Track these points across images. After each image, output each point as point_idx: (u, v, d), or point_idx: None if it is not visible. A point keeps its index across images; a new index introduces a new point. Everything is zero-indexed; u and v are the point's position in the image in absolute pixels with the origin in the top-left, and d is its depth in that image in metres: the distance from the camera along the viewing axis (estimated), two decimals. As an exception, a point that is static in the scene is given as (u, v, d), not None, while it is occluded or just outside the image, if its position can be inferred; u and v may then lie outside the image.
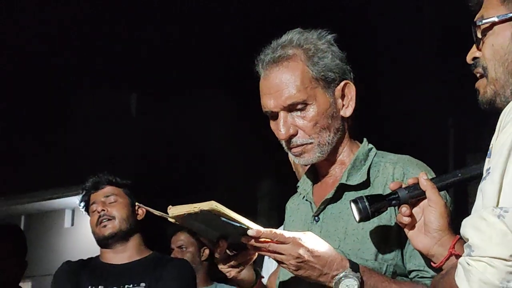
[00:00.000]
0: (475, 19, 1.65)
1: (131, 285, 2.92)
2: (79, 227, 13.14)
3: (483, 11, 1.65)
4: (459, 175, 1.75)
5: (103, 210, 3.01)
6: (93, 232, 3.12)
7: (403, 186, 1.76)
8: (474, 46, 1.68)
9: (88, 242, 12.41)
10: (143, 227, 3.15)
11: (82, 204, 3.20)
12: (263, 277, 2.14)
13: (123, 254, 3.07)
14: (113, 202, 3.03)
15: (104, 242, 3.08)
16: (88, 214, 3.14)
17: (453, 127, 7.21)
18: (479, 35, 1.64)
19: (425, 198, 1.71)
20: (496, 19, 1.59)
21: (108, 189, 3.09)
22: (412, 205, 1.73)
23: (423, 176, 1.74)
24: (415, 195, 1.72)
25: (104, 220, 3.02)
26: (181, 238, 3.89)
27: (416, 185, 1.73)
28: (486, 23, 1.61)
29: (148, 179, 2.88)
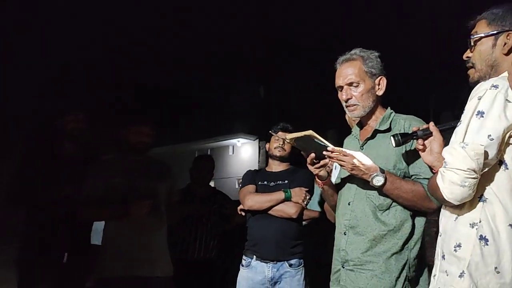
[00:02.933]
0: (470, 33, 1.61)
1: (280, 182, 2.93)
2: (236, 155, 13.43)
3: (476, 29, 1.60)
4: (452, 124, 1.65)
5: (283, 144, 3.00)
6: (269, 150, 3.09)
7: (420, 128, 1.70)
8: (468, 49, 1.62)
9: (240, 162, 12.72)
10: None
11: (273, 130, 3.04)
12: (331, 176, 2.11)
13: (278, 167, 3.03)
14: (288, 143, 2.95)
15: (273, 157, 3.04)
16: (270, 139, 3.08)
17: (434, 100, 6.99)
18: (472, 43, 1.60)
19: (431, 135, 1.65)
20: (483, 35, 1.57)
21: (286, 132, 2.99)
22: (424, 139, 1.67)
23: (431, 123, 1.70)
24: (427, 134, 1.67)
25: (279, 148, 2.99)
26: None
27: (427, 128, 1.67)
28: (477, 37, 1.58)
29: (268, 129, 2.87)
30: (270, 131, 2.98)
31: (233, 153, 13.59)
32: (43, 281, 2.63)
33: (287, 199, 2.82)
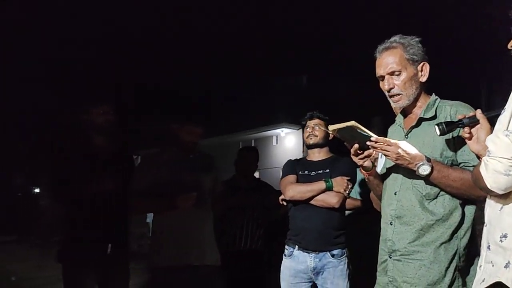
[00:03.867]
0: None
1: (321, 171, 2.88)
2: (280, 145, 13.46)
3: None
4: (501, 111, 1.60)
5: (312, 131, 2.96)
6: (304, 140, 3.07)
7: (466, 116, 1.65)
8: None
9: (284, 152, 12.74)
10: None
11: (304, 122, 3.06)
12: (376, 166, 2.07)
13: (318, 155, 2.98)
14: (317, 129, 2.95)
15: (309, 146, 3.01)
16: (303, 130, 3.07)
17: (484, 88, 6.73)
18: None
19: (478, 123, 1.61)
20: None
21: (316, 120, 2.99)
22: (471, 127, 1.62)
23: (479, 111, 1.64)
24: (473, 122, 1.62)
25: (311, 136, 2.96)
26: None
27: (474, 116, 1.62)
28: None
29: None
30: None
31: (277, 143, 13.64)
32: (88, 273, 2.73)
33: (328, 188, 2.78)
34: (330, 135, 2.92)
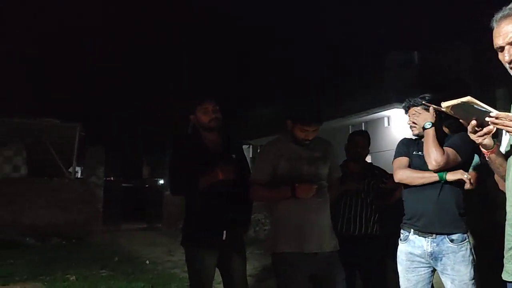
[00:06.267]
0: None
1: None
2: (392, 126, 12.99)
3: None
4: None
5: (410, 122, 2.83)
6: (409, 124, 2.93)
7: None
8: None
9: (395, 133, 12.28)
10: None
11: (405, 110, 2.94)
12: (498, 144, 1.92)
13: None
14: (418, 114, 2.80)
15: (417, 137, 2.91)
16: (409, 115, 2.91)
17: None
18: None
19: None
20: None
21: (411, 110, 2.84)
22: None
23: None
24: None
25: (412, 127, 2.84)
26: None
27: None
28: None
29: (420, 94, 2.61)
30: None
31: (388, 124, 13.18)
32: (207, 256, 2.95)
33: (441, 180, 2.61)
34: (432, 114, 2.78)
